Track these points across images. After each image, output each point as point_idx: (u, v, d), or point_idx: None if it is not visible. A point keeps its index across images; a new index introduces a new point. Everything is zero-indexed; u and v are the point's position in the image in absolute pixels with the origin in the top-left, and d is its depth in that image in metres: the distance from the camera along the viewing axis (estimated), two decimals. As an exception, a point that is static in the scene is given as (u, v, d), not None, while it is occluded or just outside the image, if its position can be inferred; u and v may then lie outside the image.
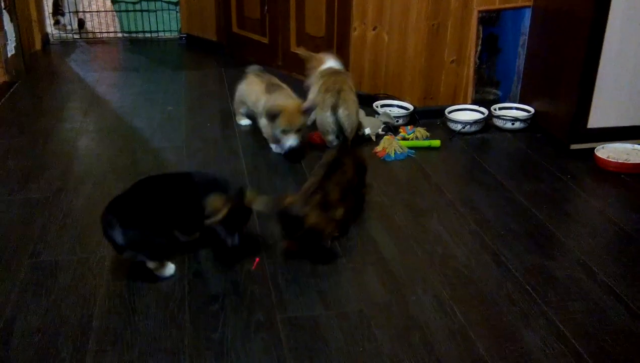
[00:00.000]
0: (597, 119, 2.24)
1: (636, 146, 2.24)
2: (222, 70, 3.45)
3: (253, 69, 2.56)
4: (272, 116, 2.18)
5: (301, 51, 2.76)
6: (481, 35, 2.60)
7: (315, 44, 3.12)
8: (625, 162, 2.16)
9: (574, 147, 2.29)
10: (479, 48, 2.62)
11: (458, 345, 1.34)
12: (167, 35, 4.15)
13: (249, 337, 1.36)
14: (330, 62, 2.50)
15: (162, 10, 4.09)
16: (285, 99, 2.27)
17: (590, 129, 2.25)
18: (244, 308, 1.46)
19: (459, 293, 1.52)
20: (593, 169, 2.18)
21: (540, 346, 1.34)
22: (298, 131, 2.20)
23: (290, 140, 2.19)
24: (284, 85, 2.42)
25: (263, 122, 2.33)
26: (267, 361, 1.30)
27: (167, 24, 4.11)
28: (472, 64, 2.64)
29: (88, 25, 4.13)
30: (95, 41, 4.06)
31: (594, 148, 2.23)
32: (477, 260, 1.66)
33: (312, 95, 2.44)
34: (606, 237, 1.79)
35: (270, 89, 2.36)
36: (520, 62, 2.61)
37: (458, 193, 2.04)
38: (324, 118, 2.29)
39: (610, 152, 2.21)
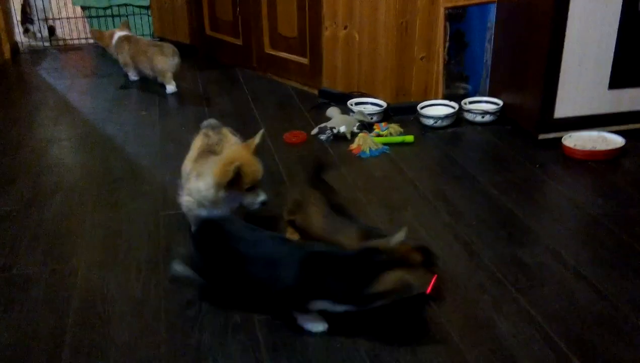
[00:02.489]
0: (563, 108, 2.30)
1: (601, 133, 2.31)
2: (196, 74, 3.44)
3: (206, 124, 1.87)
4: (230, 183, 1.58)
5: (92, 34, 3.49)
6: (448, 32, 2.65)
7: (288, 44, 3.14)
8: (592, 149, 2.23)
9: (541, 137, 2.35)
10: (447, 44, 2.67)
11: (433, 335, 1.38)
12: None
13: (226, 340, 1.37)
14: (121, 32, 3.28)
15: (134, 14, 4.06)
16: (214, 164, 1.62)
17: (557, 118, 2.31)
18: (221, 311, 1.46)
19: (434, 285, 1.55)
20: (561, 158, 2.24)
21: (512, 332, 1.38)
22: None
23: (261, 196, 1.63)
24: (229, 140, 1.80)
25: (191, 198, 1.68)
26: (246, 362, 1.31)
27: (139, 29, 4.08)
28: (441, 60, 2.69)
29: (59, 32, 4.07)
30: (66, 48, 4.01)
31: (561, 137, 2.29)
32: (450, 250, 1.70)
33: (121, 58, 3.23)
34: (574, 223, 1.84)
35: (200, 156, 1.73)
36: (488, 57, 2.67)
37: (431, 187, 2.08)
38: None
39: (576, 140, 2.28)
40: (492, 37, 2.63)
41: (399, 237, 1.30)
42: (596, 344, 1.33)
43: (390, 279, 1.24)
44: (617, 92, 2.32)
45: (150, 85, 3.26)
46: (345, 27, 2.77)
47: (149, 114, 2.83)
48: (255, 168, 1.60)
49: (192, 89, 3.20)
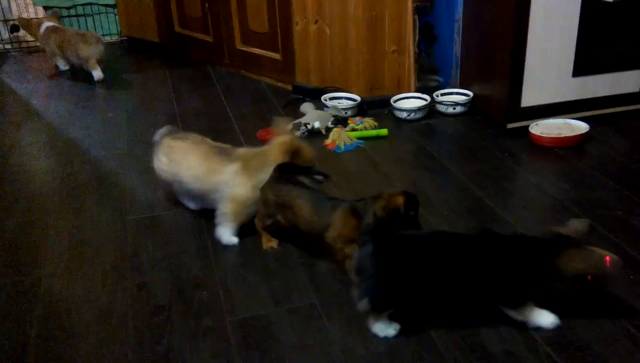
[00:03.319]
0: (529, 97, 2.33)
1: (567, 121, 2.35)
2: (166, 72, 3.38)
3: (164, 132, 1.83)
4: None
5: (19, 22, 3.50)
6: (418, 25, 2.66)
7: (260, 39, 3.11)
8: (558, 136, 2.26)
9: (510, 126, 2.38)
10: (417, 37, 2.67)
11: (406, 325, 1.38)
12: (107, 39, 4.02)
13: (196, 345, 1.35)
14: (49, 23, 3.33)
15: (100, 13, 3.97)
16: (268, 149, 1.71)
17: (524, 107, 2.34)
18: (192, 316, 1.44)
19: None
20: (529, 146, 2.27)
21: (481, 317, 1.39)
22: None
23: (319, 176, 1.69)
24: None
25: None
26: (217, 364, 1.29)
27: (105, 28, 3.99)
28: (412, 53, 2.69)
29: (21, 33, 3.95)
30: (29, 50, 3.90)
31: (528, 125, 2.32)
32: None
33: (48, 48, 3.30)
34: (541, 208, 1.87)
35: (221, 151, 1.74)
36: (457, 49, 2.68)
37: (405, 179, 2.09)
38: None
39: (543, 128, 2.31)
40: (461, 29, 2.64)
41: (580, 227, 1.31)
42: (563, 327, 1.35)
43: (572, 255, 1.26)
44: (580, 80, 2.36)
45: (115, 86, 3.19)
46: (316, 22, 2.75)
47: (116, 115, 2.77)
48: (309, 148, 1.72)
49: (162, 88, 3.14)
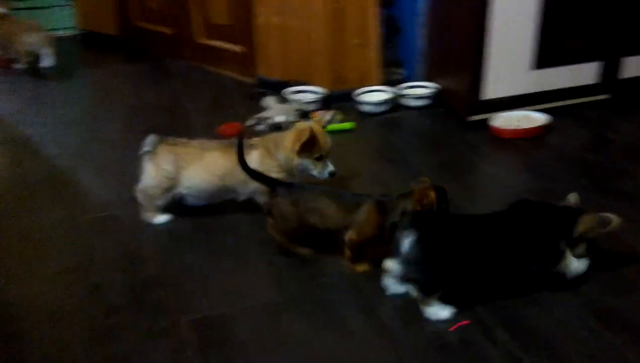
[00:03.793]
0: (489, 90, 2.35)
1: (527, 113, 2.39)
2: (124, 67, 3.28)
3: (154, 141, 1.77)
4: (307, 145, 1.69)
5: None
6: (381, 18, 2.65)
7: (221, 32, 3.05)
8: (517, 128, 2.29)
9: (472, 118, 2.40)
10: (381, 30, 2.66)
11: (365, 318, 1.37)
12: (63, 33, 3.88)
13: (151, 346, 1.31)
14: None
15: (55, 6, 3.81)
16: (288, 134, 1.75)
17: (485, 100, 2.37)
18: (146, 317, 1.40)
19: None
20: (489, 138, 2.30)
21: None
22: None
23: (330, 167, 1.75)
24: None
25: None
26: (172, 365, 1.26)
27: (61, 21, 3.84)
28: (376, 46, 2.68)
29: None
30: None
31: (489, 118, 2.35)
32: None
33: None
34: (500, 199, 1.87)
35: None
36: (421, 42, 2.68)
37: (369, 172, 2.08)
38: None
39: (503, 120, 2.34)
40: (424, 22, 2.64)
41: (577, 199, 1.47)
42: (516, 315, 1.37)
43: (588, 219, 1.37)
44: (538, 73, 2.39)
45: (71, 81, 3.08)
46: (278, 14, 2.70)
47: (71, 112, 2.67)
48: (325, 138, 1.73)
49: (119, 83, 3.05)
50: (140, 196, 1.78)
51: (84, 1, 3.68)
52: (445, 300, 1.36)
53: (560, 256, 1.40)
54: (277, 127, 2.43)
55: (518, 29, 2.29)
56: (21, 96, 2.86)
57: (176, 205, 1.80)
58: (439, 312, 1.35)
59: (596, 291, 1.42)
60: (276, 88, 2.77)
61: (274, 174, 1.70)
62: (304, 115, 2.53)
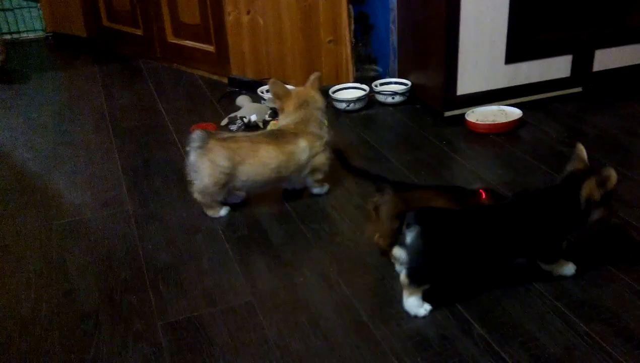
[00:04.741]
0: (464, 85, 2.37)
1: (501, 107, 2.41)
2: (94, 68, 3.20)
3: (202, 136, 1.72)
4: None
5: None
6: (352, 14, 2.64)
7: (192, 31, 3.00)
8: (492, 123, 2.31)
9: (447, 114, 2.41)
10: (353, 27, 2.66)
11: (343, 317, 1.36)
12: (31, 35, 3.77)
13: (126, 351, 1.28)
14: None
15: (21, 7, 3.71)
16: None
17: (460, 95, 2.38)
18: (121, 321, 1.36)
19: (344, 267, 1.54)
20: (465, 133, 2.31)
21: (419, 305, 1.39)
22: None
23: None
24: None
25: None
26: (148, 371, 1.23)
27: (28, 23, 3.74)
28: (348, 43, 2.68)
29: None
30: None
31: (464, 113, 2.36)
32: (361, 232, 1.69)
33: None
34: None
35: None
36: (394, 38, 2.69)
37: (344, 172, 2.06)
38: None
39: (478, 115, 2.36)
40: (396, 18, 2.65)
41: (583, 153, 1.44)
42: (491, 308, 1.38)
43: (587, 185, 1.36)
44: (512, 67, 2.42)
45: (40, 84, 3.00)
46: (248, 12, 2.68)
47: (41, 115, 2.59)
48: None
49: (90, 85, 2.97)
50: (199, 196, 1.75)
51: (52, 2, 3.58)
52: (425, 298, 1.36)
53: (559, 254, 1.41)
54: (251, 126, 2.41)
55: (491, 23, 2.30)
56: (-14, 100, 2.77)
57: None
58: (418, 307, 1.35)
59: (573, 283, 1.43)
60: (249, 87, 2.75)
61: (327, 152, 1.82)
62: (277, 113, 2.51)
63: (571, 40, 2.46)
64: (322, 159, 1.84)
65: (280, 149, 1.76)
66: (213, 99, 2.74)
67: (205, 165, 1.70)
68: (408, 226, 1.31)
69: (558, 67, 2.50)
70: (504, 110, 2.39)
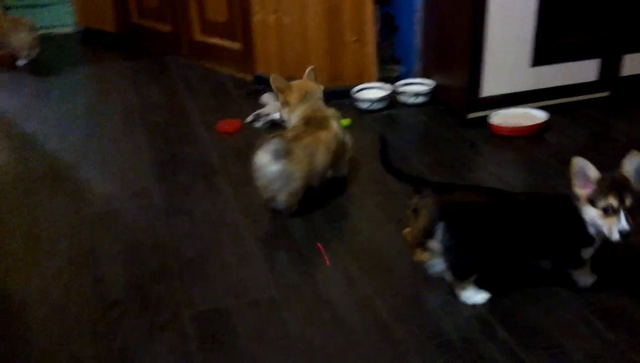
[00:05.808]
0: (489, 87, 2.36)
1: (526, 110, 2.40)
2: (124, 64, 3.28)
3: (280, 143, 1.70)
4: None
5: None
6: (378, 15, 2.66)
7: (219, 29, 3.05)
8: (516, 126, 2.30)
9: (470, 116, 2.41)
10: (378, 27, 2.67)
11: (364, 314, 1.38)
12: (63, 30, 3.88)
13: (153, 339, 1.32)
14: None
15: (54, 4, 3.82)
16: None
17: (484, 97, 2.37)
18: (148, 310, 1.41)
19: (365, 265, 1.56)
20: (488, 135, 2.30)
21: (439, 305, 1.41)
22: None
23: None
24: None
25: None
26: (174, 360, 1.26)
27: (61, 18, 3.84)
28: (373, 43, 2.69)
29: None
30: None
31: (488, 115, 2.36)
32: (382, 229, 1.71)
33: None
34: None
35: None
36: (418, 39, 2.69)
37: (365, 170, 2.08)
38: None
39: (502, 117, 2.35)
40: (420, 19, 2.65)
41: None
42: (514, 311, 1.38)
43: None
44: (538, 69, 2.40)
45: (72, 77, 3.08)
46: (275, 11, 2.71)
47: (73, 108, 2.67)
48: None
49: (119, 80, 3.05)
50: (290, 200, 1.75)
51: (82, -1, 3.69)
52: (481, 285, 1.39)
53: (578, 260, 1.39)
54: (275, 124, 2.45)
55: (517, 25, 2.29)
56: (23, 92, 2.87)
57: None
58: (474, 297, 1.39)
59: (599, 290, 1.42)
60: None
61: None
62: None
63: (599, 44, 2.43)
64: (348, 136, 1.97)
65: (328, 132, 1.83)
66: (239, 97, 2.78)
67: (295, 168, 1.71)
68: (436, 223, 1.34)
69: (585, 70, 2.47)
70: (528, 113, 2.38)
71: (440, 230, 1.34)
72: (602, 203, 1.28)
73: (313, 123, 1.85)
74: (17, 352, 1.29)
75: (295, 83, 1.96)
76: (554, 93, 2.47)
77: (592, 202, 1.30)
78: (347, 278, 1.51)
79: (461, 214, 1.37)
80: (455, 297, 1.42)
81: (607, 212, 1.28)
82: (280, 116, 2.46)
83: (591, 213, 1.30)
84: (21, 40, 3.11)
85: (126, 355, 1.28)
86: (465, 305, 1.39)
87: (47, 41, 3.71)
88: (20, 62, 3.14)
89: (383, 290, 1.47)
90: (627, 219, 1.27)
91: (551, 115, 2.35)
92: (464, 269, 1.38)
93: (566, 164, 2.03)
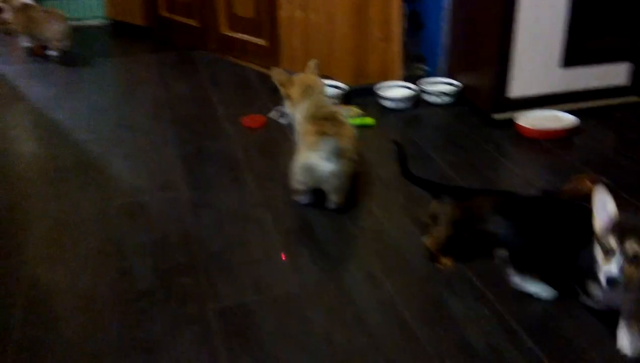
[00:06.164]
0: (516, 88, 2.33)
1: (555, 112, 2.36)
2: (151, 57, 3.33)
3: (332, 143, 1.70)
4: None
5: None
6: (405, 12, 2.64)
7: (246, 25, 3.07)
8: (544, 128, 2.27)
9: (496, 117, 2.38)
10: (404, 25, 2.65)
11: (387, 315, 1.39)
12: (92, 21, 3.95)
13: (178, 331, 1.35)
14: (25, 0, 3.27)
15: (84, -5, 3.89)
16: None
17: (511, 98, 2.35)
18: (174, 302, 1.44)
19: (388, 266, 1.57)
20: (514, 137, 2.28)
21: (463, 310, 1.41)
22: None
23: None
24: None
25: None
26: (198, 353, 1.29)
27: (91, 10, 3.91)
28: (399, 41, 2.68)
29: (5, 15, 3.85)
30: (10, 31, 3.80)
31: (515, 117, 2.33)
32: (405, 230, 1.71)
33: (15, 25, 3.23)
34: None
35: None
36: (444, 38, 2.67)
37: (389, 169, 2.08)
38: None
39: (529, 119, 2.32)
40: (448, 18, 2.63)
41: None
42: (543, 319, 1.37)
43: None
44: (569, 71, 2.36)
45: (101, 69, 3.14)
46: (301, 7, 2.71)
47: (102, 99, 2.73)
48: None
49: (147, 73, 3.10)
50: (341, 197, 1.79)
51: (113, -9, 3.74)
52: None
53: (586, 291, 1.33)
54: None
55: (547, 24, 2.25)
56: (53, 83, 2.93)
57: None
58: (540, 290, 1.41)
59: None
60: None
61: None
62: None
63: (632, 48, 2.38)
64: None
65: (350, 128, 1.83)
66: (264, 92, 2.80)
67: (347, 166, 1.75)
68: (490, 216, 1.39)
69: (617, 74, 2.42)
70: (557, 116, 2.34)
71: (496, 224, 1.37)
72: (603, 241, 1.18)
73: (326, 116, 1.81)
74: (46, 339, 1.33)
75: (297, 77, 1.97)
76: (584, 96, 2.43)
77: (597, 237, 1.21)
78: (370, 278, 1.52)
79: (517, 210, 1.41)
80: (480, 304, 1.41)
81: (607, 253, 1.17)
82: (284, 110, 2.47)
83: (596, 249, 1.22)
84: (54, 31, 3.16)
85: (151, 346, 1.31)
86: (490, 312, 1.39)
87: (76, 33, 3.77)
88: (52, 53, 3.21)
89: (406, 291, 1.47)
90: (619, 266, 1.14)
91: (581, 118, 2.31)
92: (520, 262, 1.40)
93: (594, 168, 2.00)
